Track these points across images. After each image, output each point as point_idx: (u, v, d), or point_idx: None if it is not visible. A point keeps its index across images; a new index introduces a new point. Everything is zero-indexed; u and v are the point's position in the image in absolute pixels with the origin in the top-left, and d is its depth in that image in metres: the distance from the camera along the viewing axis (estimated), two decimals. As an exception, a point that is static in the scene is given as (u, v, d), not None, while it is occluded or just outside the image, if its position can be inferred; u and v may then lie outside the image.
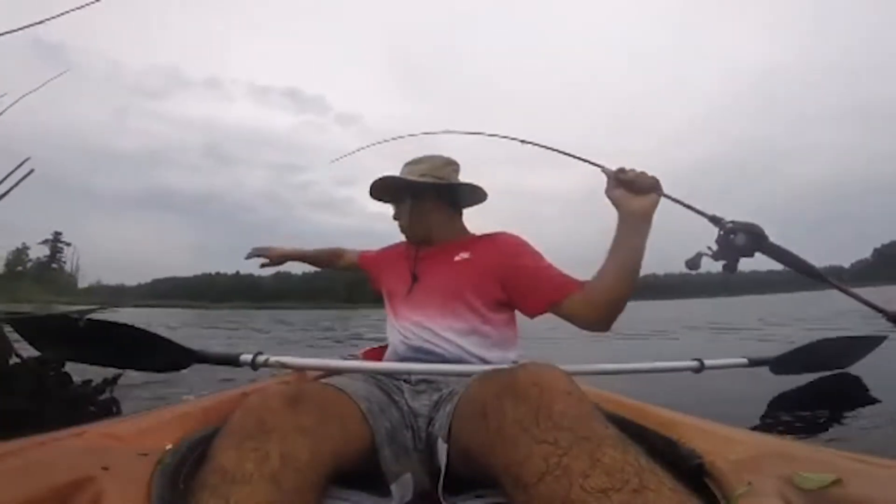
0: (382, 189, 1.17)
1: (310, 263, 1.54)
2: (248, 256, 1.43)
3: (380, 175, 1.12)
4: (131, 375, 1.76)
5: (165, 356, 1.25)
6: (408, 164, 1.16)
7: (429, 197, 1.13)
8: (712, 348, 4.24)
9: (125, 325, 1.27)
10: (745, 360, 1.36)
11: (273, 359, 1.00)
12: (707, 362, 1.21)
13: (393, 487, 0.68)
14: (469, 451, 0.61)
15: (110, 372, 1.48)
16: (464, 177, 1.17)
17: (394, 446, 0.72)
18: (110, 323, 1.28)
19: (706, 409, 1.11)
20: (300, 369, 1.18)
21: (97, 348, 1.27)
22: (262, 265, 1.46)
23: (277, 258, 1.46)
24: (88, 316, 1.31)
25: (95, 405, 1.44)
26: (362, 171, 1.21)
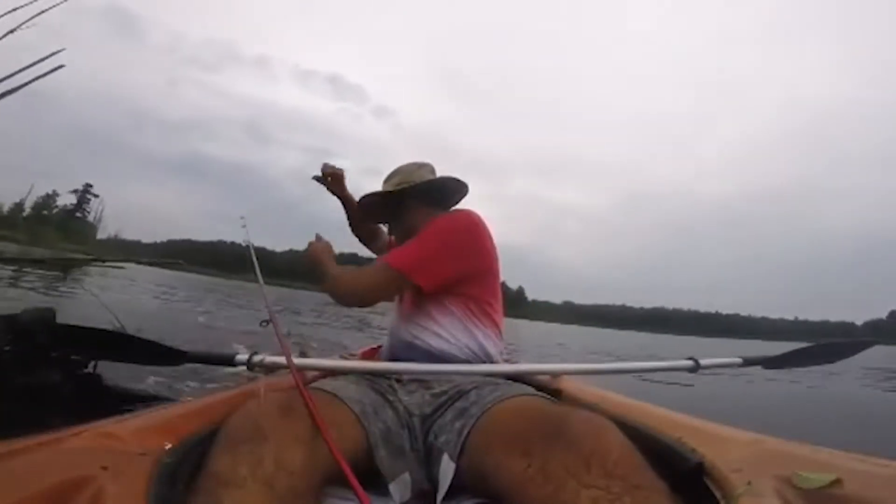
0: (371, 212, 1.22)
1: (354, 222, 1.45)
2: (320, 175, 1.36)
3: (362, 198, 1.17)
4: (131, 377, 1.75)
5: (158, 358, 1.20)
6: (385, 182, 1.19)
7: (409, 204, 1.15)
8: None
9: (114, 332, 1.18)
10: (739, 360, 1.36)
11: (269, 359, 0.99)
12: (702, 362, 1.22)
13: (391, 487, 0.69)
14: (490, 478, 0.61)
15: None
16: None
17: (389, 447, 0.73)
18: (98, 329, 1.24)
19: (705, 408, 1.12)
20: (297, 369, 1.17)
21: (80, 349, 1.21)
22: (326, 182, 1.37)
23: (341, 188, 1.37)
24: (98, 325, 1.24)
25: (76, 380, 1.30)
26: (391, 163, 1.21)
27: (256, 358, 1.00)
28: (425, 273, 0.98)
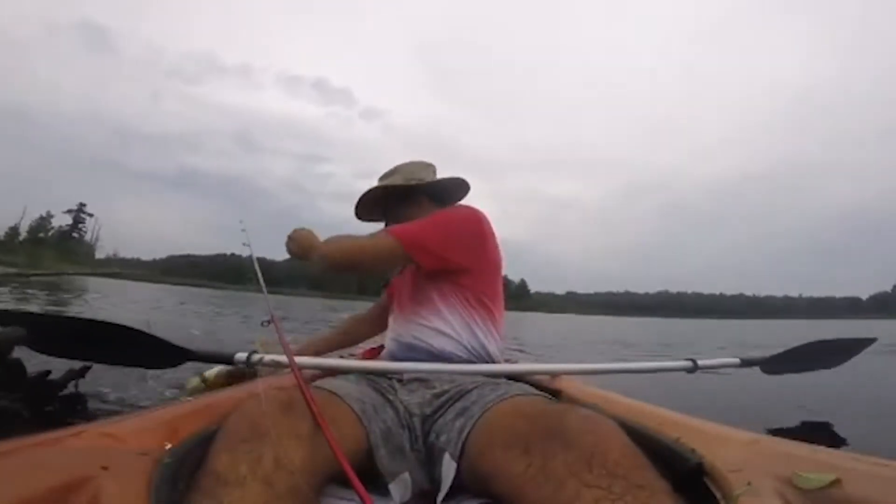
0: (368, 208, 1.23)
1: (342, 347, 1.52)
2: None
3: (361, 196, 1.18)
4: (130, 375, 1.74)
5: (156, 355, 1.10)
6: (382, 178, 1.21)
7: (416, 200, 1.17)
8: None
9: (114, 325, 1.11)
10: (737, 361, 1.36)
11: (268, 357, 0.98)
12: (700, 362, 1.22)
13: (391, 487, 0.69)
14: (490, 478, 0.61)
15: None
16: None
17: (389, 446, 0.73)
18: (97, 322, 1.12)
19: (703, 408, 1.12)
20: (298, 368, 1.16)
21: (77, 346, 1.10)
22: None
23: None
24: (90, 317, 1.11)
25: (56, 402, 1.20)
26: (382, 166, 1.25)
27: (256, 357, 0.99)
28: (425, 251, 0.99)
